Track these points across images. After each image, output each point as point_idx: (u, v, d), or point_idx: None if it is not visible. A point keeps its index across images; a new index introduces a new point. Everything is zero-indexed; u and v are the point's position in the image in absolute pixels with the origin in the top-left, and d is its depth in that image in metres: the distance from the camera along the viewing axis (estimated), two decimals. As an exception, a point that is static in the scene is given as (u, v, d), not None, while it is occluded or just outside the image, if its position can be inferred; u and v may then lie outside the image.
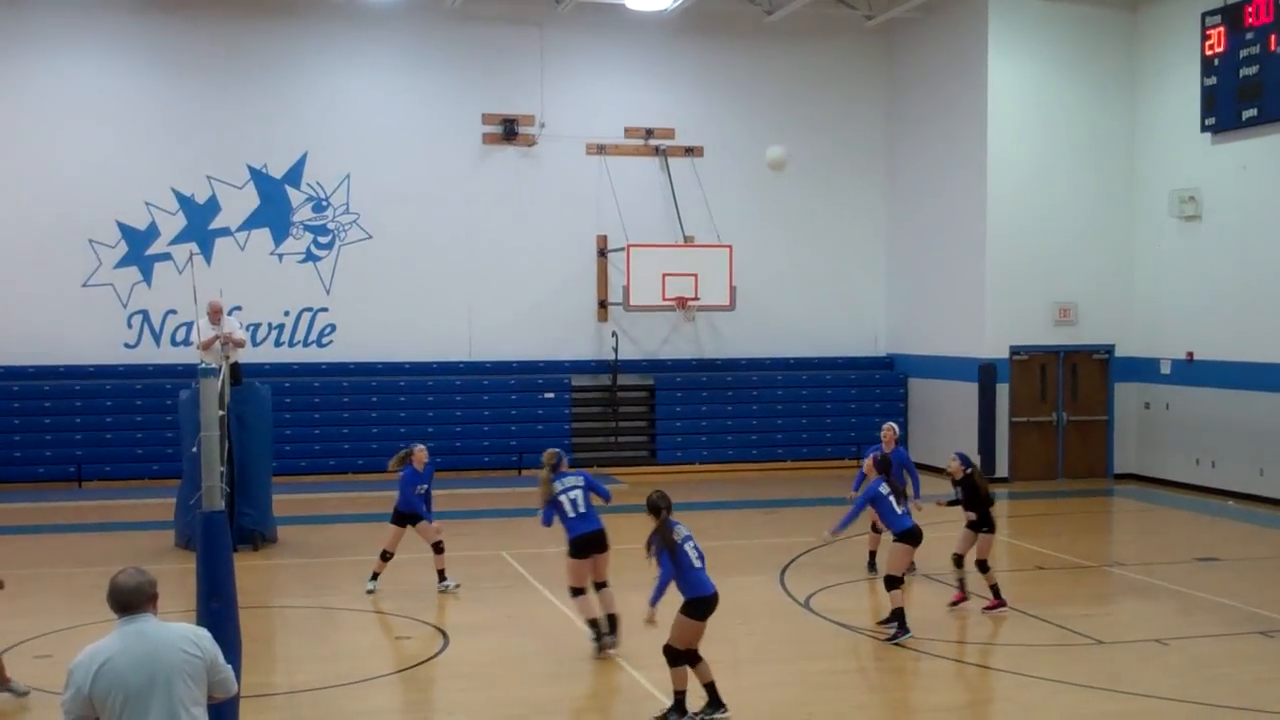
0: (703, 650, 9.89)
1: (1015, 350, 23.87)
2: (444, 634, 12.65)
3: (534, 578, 15.14)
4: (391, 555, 14.50)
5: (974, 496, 13.55)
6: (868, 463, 13.71)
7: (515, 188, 25.33)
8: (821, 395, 26.16)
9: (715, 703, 9.84)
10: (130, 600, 5.68)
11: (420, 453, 14.39)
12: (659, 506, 10.00)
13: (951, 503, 13.83)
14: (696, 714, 9.80)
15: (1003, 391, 23.66)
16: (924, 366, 25.94)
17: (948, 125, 24.83)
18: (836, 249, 26.87)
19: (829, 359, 26.75)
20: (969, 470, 13.63)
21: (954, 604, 13.62)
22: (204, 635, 5.83)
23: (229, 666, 5.87)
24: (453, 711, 10.50)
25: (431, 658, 11.88)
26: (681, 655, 9.80)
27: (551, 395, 25.12)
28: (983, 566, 13.47)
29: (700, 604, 9.79)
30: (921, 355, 26.06)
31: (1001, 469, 23.52)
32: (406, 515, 14.35)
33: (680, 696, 9.78)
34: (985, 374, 23.52)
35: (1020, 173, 23.68)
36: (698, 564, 9.89)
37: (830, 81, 26.66)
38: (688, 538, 9.97)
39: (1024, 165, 23.70)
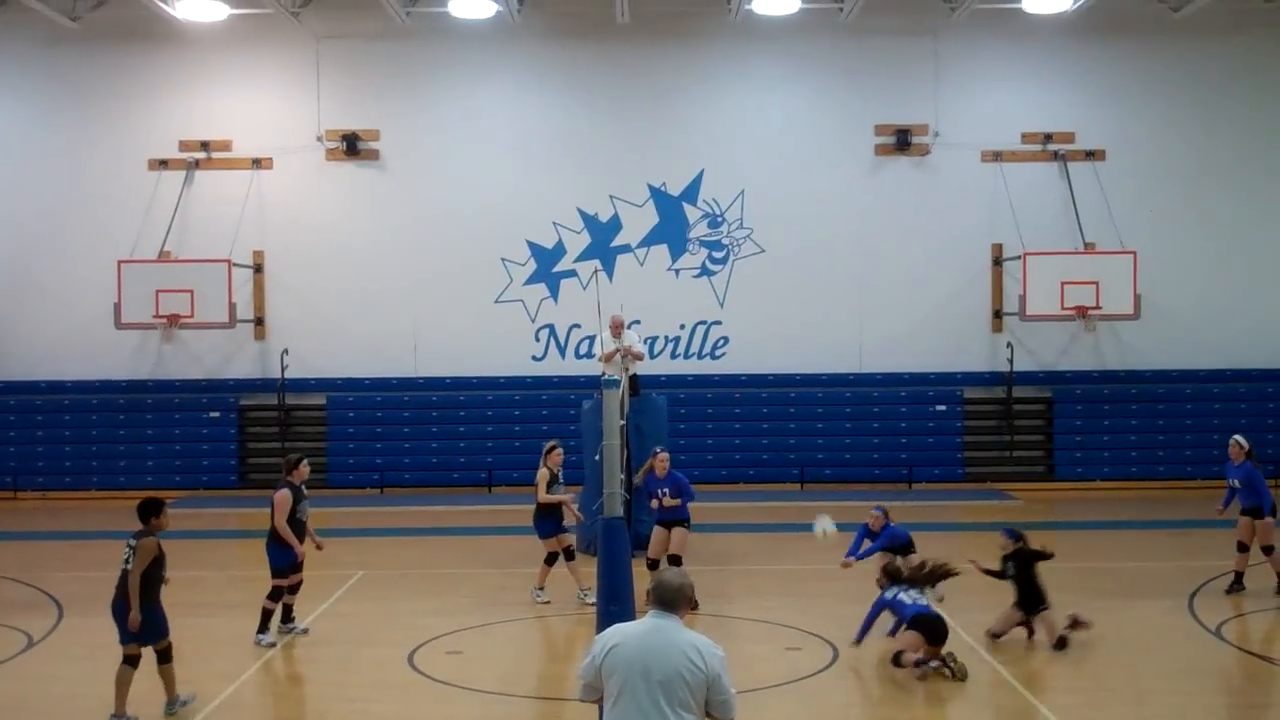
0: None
1: None
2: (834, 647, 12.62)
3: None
4: None
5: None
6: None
7: (908, 198, 25.07)
8: (1235, 410, 24.37)
9: None
10: (668, 598, 5.99)
11: None
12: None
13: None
14: None
15: None
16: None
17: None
18: (1255, 254, 25.14)
19: (1243, 370, 25.03)
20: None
21: None
22: (712, 652, 5.88)
23: (732, 690, 5.84)
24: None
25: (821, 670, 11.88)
26: None
27: (943, 408, 24.69)
28: None
29: None
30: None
31: None
32: None
33: None
34: None
35: None
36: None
37: (1243, 78, 25.05)
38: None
39: None
